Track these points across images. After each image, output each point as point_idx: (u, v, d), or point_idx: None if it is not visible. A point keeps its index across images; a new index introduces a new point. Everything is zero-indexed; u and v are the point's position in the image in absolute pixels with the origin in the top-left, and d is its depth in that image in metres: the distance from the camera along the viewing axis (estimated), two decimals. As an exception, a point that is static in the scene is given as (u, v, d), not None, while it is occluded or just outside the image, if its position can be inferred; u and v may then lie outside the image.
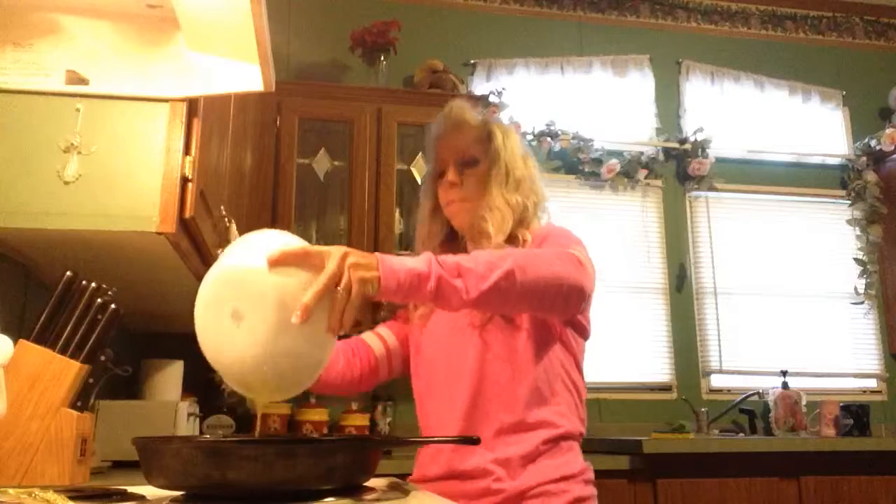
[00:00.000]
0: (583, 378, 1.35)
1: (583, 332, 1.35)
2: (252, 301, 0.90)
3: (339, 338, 1.05)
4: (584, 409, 1.34)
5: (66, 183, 1.27)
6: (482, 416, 1.25)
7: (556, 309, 1.23)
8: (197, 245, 1.51)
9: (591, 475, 1.31)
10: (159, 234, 1.29)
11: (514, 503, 1.21)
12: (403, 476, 1.34)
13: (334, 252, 0.95)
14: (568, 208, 3.39)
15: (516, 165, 1.40)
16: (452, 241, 1.45)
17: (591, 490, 1.29)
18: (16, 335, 1.15)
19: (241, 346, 0.90)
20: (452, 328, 1.32)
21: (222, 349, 0.93)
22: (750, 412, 3.23)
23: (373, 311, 2.27)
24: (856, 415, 3.07)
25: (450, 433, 1.26)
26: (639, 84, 3.61)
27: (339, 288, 0.93)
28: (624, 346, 3.35)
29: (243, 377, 0.93)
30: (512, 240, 1.33)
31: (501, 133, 1.42)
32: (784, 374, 3.26)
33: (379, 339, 1.46)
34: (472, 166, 1.39)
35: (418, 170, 2.91)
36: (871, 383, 3.58)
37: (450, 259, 1.05)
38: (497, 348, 1.27)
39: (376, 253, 1.00)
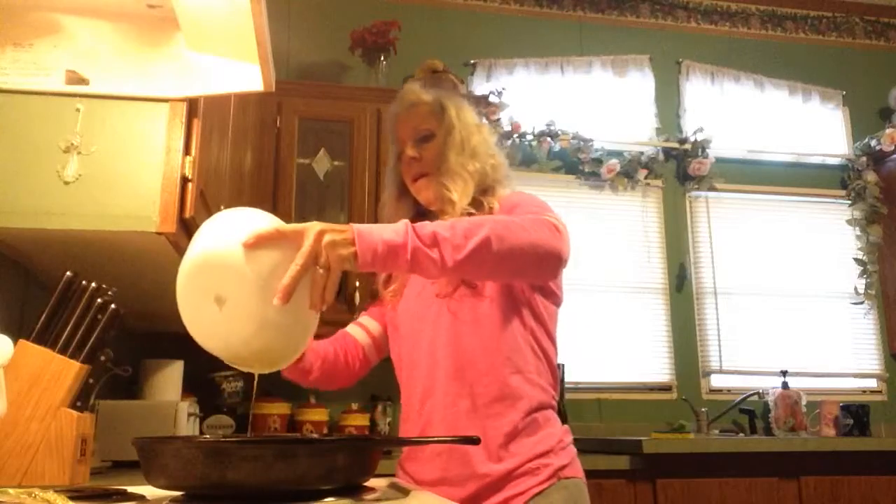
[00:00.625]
0: (555, 346, 1.37)
1: (553, 299, 1.37)
2: (232, 285, 0.91)
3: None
4: (555, 377, 1.37)
5: (66, 183, 1.27)
6: (461, 388, 1.27)
7: (533, 275, 1.26)
8: (197, 245, 1.51)
9: (569, 438, 1.34)
10: (159, 234, 1.29)
11: (500, 485, 1.24)
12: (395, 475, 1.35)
13: (309, 229, 0.95)
14: (568, 208, 3.39)
15: (471, 132, 1.43)
16: (423, 217, 1.46)
17: (571, 453, 1.32)
18: (16, 335, 1.15)
19: (226, 328, 0.92)
20: (422, 301, 1.35)
21: (209, 332, 0.94)
22: (750, 412, 3.23)
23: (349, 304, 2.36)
24: (856, 415, 3.07)
25: (433, 406, 1.29)
26: (639, 84, 3.60)
27: (317, 267, 0.93)
28: (624, 346, 3.35)
29: (231, 356, 0.96)
30: (478, 206, 1.36)
31: (454, 105, 1.46)
32: (784, 374, 3.26)
33: (363, 329, 1.50)
34: (429, 140, 1.42)
35: (418, 170, 2.91)
36: (871, 383, 3.57)
37: (427, 227, 1.05)
38: (465, 317, 1.29)
39: (352, 225, 1.00)
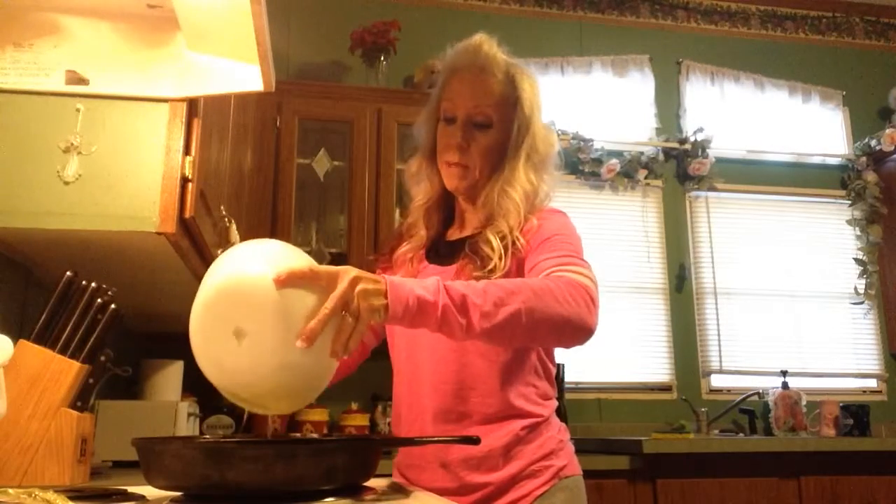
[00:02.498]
0: (552, 360, 1.34)
1: None
2: (256, 318, 0.86)
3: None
4: (555, 386, 1.34)
5: (66, 183, 1.27)
6: (461, 404, 1.24)
7: (559, 345, 1.21)
8: (197, 245, 1.51)
9: (567, 435, 1.32)
10: (159, 234, 1.29)
11: (502, 490, 1.23)
12: (389, 476, 1.34)
13: (344, 275, 0.91)
14: (568, 208, 3.35)
15: (540, 139, 1.30)
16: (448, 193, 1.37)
17: (570, 451, 1.31)
18: (16, 335, 1.15)
19: (243, 363, 0.87)
20: None
21: (222, 366, 0.89)
22: (750, 412, 3.23)
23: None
24: (856, 415, 3.07)
25: (429, 418, 1.25)
26: (639, 84, 3.60)
27: (346, 314, 0.90)
28: (624, 346, 3.35)
29: (243, 392, 0.90)
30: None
31: (529, 96, 1.29)
32: (784, 374, 3.26)
33: None
34: (484, 129, 1.28)
35: (418, 170, 2.91)
36: (871, 383, 3.58)
37: (458, 289, 1.01)
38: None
39: (385, 277, 0.97)
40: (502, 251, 1.23)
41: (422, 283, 1.00)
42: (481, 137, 1.28)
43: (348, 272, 0.92)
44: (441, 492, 1.21)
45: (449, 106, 1.30)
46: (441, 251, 1.36)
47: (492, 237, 1.24)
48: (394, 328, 1.37)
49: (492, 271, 1.21)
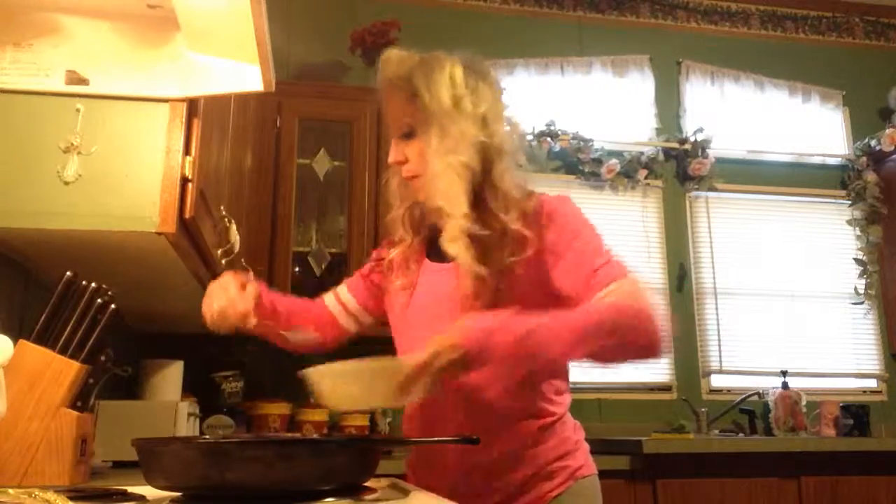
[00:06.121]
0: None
1: None
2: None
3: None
4: (567, 381, 1.33)
5: (66, 183, 1.27)
6: (479, 405, 1.22)
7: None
8: (197, 245, 1.51)
9: (581, 434, 1.32)
10: (159, 234, 1.29)
11: (516, 493, 1.22)
12: (403, 476, 1.34)
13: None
14: (568, 208, 3.39)
15: (447, 116, 1.21)
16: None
17: (585, 451, 1.31)
18: (16, 335, 1.15)
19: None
20: (444, 304, 1.24)
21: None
22: (750, 412, 3.23)
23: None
24: (856, 415, 3.07)
25: (448, 424, 1.23)
26: (639, 84, 3.60)
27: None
28: (624, 346, 3.34)
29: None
30: (487, 221, 1.20)
31: (425, 82, 1.23)
32: (784, 374, 3.26)
33: (340, 305, 1.43)
34: (409, 138, 1.27)
35: (418, 170, 2.91)
36: (871, 383, 3.57)
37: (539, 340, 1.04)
38: None
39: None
40: (469, 248, 1.18)
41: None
42: (412, 144, 1.27)
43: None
44: (453, 493, 1.18)
45: (387, 126, 1.35)
46: (438, 250, 1.34)
47: (449, 245, 1.20)
48: (398, 328, 1.35)
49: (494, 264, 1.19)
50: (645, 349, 1.11)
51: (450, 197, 1.19)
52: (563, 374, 1.32)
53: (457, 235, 1.18)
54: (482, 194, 1.22)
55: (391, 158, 1.30)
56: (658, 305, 1.12)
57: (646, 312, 1.10)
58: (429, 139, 1.22)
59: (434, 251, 1.34)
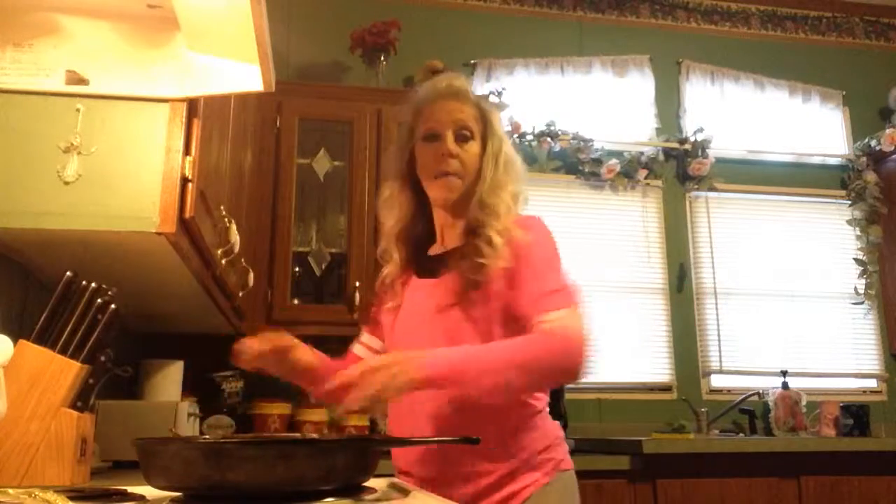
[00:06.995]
0: None
1: None
2: None
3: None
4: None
5: (66, 183, 1.27)
6: (457, 413, 1.26)
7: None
8: (197, 245, 1.51)
9: (561, 431, 1.39)
10: (159, 234, 1.29)
11: (503, 482, 1.26)
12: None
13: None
14: (568, 208, 3.39)
15: (512, 155, 1.40)
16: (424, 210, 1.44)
17: (565, 446, 1.38)
18: (16, 335, 1.15)
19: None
20: (421, 318, 1.34)
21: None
22: (750, 412, 3.23)
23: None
24: (856, 415, 3.07)
25: (429, 413, 1.28)
26: (639, 84, 3.60)
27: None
28: (624, 346, 3.35)
29: None
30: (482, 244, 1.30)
31: (496, 118, 1.42)
32: (784, 374, 3.26)
33: (367, 349, 1.50)
34: (467, 141, 1.37)
35: (418, 170, 2.90)
36: (871, 383, 3.57)
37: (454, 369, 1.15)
38: (466, 337, 1.27)
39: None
40: (503, 248, 1.28)
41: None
42: (468, 147, 1.36)
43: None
44: (439, 481, 1.23)
45: (433, 125, 1.38)
46: (427, 266, 1.41)
47: (493, 234, 1.29)
48: (388, 347, 1.42)
49: (484, 273, 1.27)
50: (563, 375, 1.25)
51: (502, 212, 1.32)
52: None
53: (499, 239, 1.29)
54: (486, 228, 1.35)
55: (449, 148, 1.35)
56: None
57: (575, 343, 1.18)
58: (496, 158, 1.37)
59: (421, 268, 1.39)
